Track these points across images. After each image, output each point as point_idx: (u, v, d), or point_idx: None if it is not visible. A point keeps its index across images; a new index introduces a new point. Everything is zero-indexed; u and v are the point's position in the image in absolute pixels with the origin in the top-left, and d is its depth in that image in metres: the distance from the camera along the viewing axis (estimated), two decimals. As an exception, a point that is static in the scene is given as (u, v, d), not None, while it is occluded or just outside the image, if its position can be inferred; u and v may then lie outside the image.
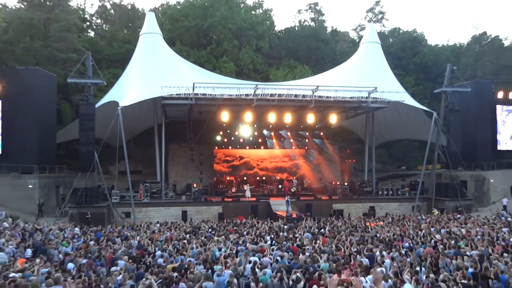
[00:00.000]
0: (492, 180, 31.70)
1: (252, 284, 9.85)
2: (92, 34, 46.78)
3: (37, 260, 12.08)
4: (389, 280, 9.67)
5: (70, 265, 12.10)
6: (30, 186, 27.58)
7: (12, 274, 9.55)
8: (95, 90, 28.75)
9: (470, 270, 11.09)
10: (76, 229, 20.26)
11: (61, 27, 37.46)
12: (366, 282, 9.63)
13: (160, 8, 48.87)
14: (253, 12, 48.60)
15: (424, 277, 10.51)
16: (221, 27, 43.90)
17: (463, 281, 10.11)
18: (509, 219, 21.89)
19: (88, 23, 48.41)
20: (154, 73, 28.64)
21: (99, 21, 49.66)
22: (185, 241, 16.36)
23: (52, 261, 12.89)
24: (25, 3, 39.04)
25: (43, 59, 35.42)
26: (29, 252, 13.64)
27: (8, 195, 27.05)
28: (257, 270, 10.96)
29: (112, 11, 48.81)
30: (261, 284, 9.77)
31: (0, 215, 22.05)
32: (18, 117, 28.75)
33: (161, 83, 26.25)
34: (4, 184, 27.40)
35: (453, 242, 14.93)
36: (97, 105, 27.72)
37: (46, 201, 28.09)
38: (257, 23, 46.36)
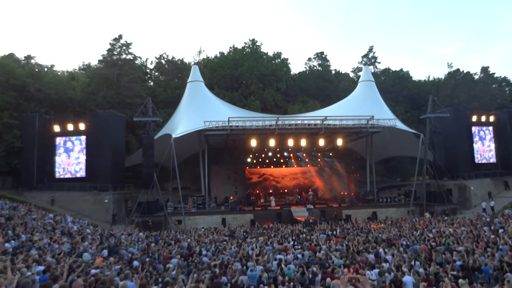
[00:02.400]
0: (472, 188, 30.26)
1: (280, 277, 9.59)
2: (151, 83, 48.07)
3: (111, 259, 12.13)
4: (391, 273, 9.25)
5: (136, 263, 12.09)
6: (106, 201, 28.05)
7: (93, 271, 9.62)
8: (154, 126, 29.35)
9: (458, 263, 10.49)
10: (141, 234, 20.33)
11: (129, 79, 38.80)
12: (372, 275, 9.25)
13: (202, 62, 49.92)
14: (273, 61, 48.98)
15: (420, 270, 10.00)
16: (248, 74, 44.41)
17: (452, 272, 9.56)
18: (488, 219, 20.79)
19: (148, 75, 49.87)
20: (198, 111, 29.05)
21: (156, 73, 50.97)
22: (225, 242, 16.21)
23: (122, 260, 12.91)
24: (103, 63, 40.74)
25: (116, 104, 36.62)
26: (105, 252, 13.64)
27: (90, 207, 27.69)
28: (282, 266, 10.68)
29: (166, 65, 50.10)
30: (287, 277, 9.52)
31: (84, 223, 22.40)
32: (97, 148, 29.58)
33: (204, 119, 26.68)
34: (87, 199, 28.11)
35: (443, 240, 14.25)
36: (155, 137, 28.28)
37: (118, 212, 28.51)
38: (277, 70, 46.72)
